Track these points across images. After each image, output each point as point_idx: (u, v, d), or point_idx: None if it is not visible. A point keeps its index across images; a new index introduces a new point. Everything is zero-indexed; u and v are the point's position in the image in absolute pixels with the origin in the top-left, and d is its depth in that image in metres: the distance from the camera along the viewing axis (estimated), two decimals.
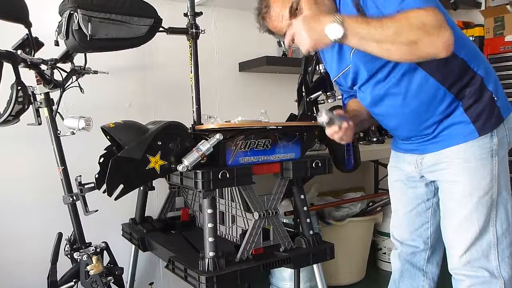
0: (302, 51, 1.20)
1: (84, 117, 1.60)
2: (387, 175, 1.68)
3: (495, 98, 1.34)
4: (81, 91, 1.75)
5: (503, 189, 1.37)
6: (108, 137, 1.63)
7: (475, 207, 1.35)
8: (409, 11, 1.10)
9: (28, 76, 1.61)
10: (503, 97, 1.38)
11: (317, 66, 1.84)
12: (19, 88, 1.52)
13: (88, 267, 1.57)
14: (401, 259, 1.62)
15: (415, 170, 1.50)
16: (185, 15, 1.76)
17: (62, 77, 1.69)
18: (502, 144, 1.36)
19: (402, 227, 1.59)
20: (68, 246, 1.68)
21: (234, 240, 1.79)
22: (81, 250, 1.62)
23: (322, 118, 1.29)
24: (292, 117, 1.90)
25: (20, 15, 1.58)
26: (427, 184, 1.52)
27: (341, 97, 1.82)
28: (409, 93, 1.34)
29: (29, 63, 1.58)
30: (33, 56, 1.64)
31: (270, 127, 1.63)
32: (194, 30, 1.74)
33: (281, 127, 1.66)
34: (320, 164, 1.72)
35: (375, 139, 2.60)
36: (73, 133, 1.63)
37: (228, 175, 1.51)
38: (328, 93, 1.86)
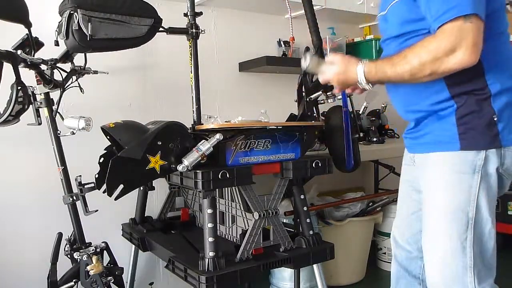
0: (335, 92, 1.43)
1: (84, 117, 1.59)
2: (387, 175, 1.68)
3: (495, 120, 1.23)
4: (81, 91, 1.75)
5: (484, 209, 1.26)
6: (108, 137, 1.63)
7: (448, 223, 1.28)
8: (427, 41, 1.15)
9: (28, 76, 1.61)
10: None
11: None
12: (19, 88, 1.52)
13: (88, 267, 1.57)
14: (397, 264, 1.57)
15: (415, 171, 1.45)
16: (185, 15, 1.76)
17: (62, 77, 1.69)
18: (491, 161, 1.25)
19: (402, 227, 1.56)
20: (68, 246, 1.68)
21: (234, 240, 1.79)
22: (81, 250, 1.62)
23: (306, 62, 1.32)
24: (292, 117, 1.90)
25: (20, 15, 1.58)
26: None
27: (341, 97, 1.82)
28: None
29: (29, 63, 1.58)
30: (33, 56, 1.64)
31: (270, 127, 1.63)
32: (194, 30, 1.74)
33: (281, 127, 1.66)
34: (320, 164, 1.72)
35: (375, 139, 2.60)
36: (73, 133, 1.63)
37: (228, 175, 1.51)
38: (328, 93, 1.86)
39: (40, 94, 1.64)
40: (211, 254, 1.49)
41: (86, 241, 1.67)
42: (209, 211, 1.51)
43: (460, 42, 1.10)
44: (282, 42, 2.64)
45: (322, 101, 1.87)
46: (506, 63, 1.27)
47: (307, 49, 1.87)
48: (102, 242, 1.71)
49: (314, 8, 1.87)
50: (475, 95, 1.24)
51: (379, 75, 1.26)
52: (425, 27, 1.25)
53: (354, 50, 2.86)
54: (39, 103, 1.64)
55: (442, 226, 1.29)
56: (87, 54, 1.75)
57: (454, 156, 1.27)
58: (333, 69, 1.35)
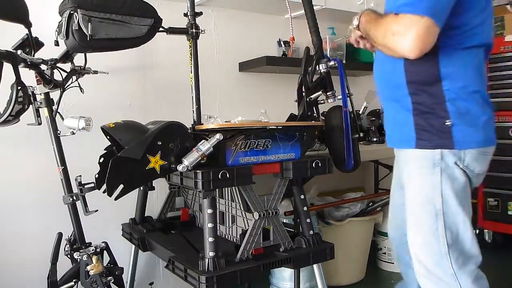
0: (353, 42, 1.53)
1: (84, 117, 1.59)
2: (387, 175, 1.71)
3: (448, 124, 1.33)
4: (81, 91, 1.75)
5: (451, 199, 1.34)
6: (108, 137, 1.63)
7: (418, 215, 1.40)
8: (386, 16, 1.29)
9: (28, 76, 1.61)
10: (472, 128, 1.34)
11: (317, 66, 1.84)
12: (19, 88, 1.52)
13: (88, 267, 1.57)
14: (394, 246, 1.74)
15: (400, 166, 1.55)
16: (185, 15, 1.76)
17: (62, 77, 1.69)
18: (449, 156, 1.34)
19: (393, 215, 1.69)
20: (68, 246, 1.68)
21: (234, 240, 1.79)
22: (81, 250, 1.62)
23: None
24: (292, 117, 1.90)
25: (20, 15, 1.58)
26: None
27: (340, 97, 1.82)
28: (385, 63, 1.47)
29: (29, 63, 1.58)
30: (33, 56, 1.64)
31: (270, 127, 1.63)
32: (194, 30, 1.74)
33: (281, 127, 1.66)
34: (320, 164, 1.72)
35: (375, 139, 2.60)
36: (73, 133, 1.63)
37: (228, 175, 1.51)
38: (328, 93, 1.86)
39: (40, 94, 1.64)
40: (211, 254, 1.49)
41: (86, 241, 1.67)
42: (209, 211, 1.51)
43: (410, 31, 1.20)
44: (282, 42, 2.65)
45: (322, 101, 1.87)
46: (465, 74, 1.34)
47: (307, 49, 1.87)
48: (102, 242, 1.71)
49: (314, 8, 1.87)
50: (432, 98, 1.35)
51: (365, 24, 1.40)
52: None
53: (354, 50, 2.86)
54: (39, 103, 1.64)
55: (415, 218, 1.42)
56: (87, 54, 1.75)
57: (414, 153, 1.39)
58: None
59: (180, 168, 1.48)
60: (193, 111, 1.75)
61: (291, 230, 1.91)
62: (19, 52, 1.55)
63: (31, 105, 1.61)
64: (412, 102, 1.38)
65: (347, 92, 1.82)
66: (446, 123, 1.33)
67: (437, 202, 1.35)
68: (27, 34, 1.62)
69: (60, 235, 1.66)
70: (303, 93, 1.82)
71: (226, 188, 1.80)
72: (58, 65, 1.70)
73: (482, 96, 1.37)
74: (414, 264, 1.44)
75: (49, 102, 1.65)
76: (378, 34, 1.31)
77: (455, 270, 1.36)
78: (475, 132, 1.35)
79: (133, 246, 2.10)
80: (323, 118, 1.91)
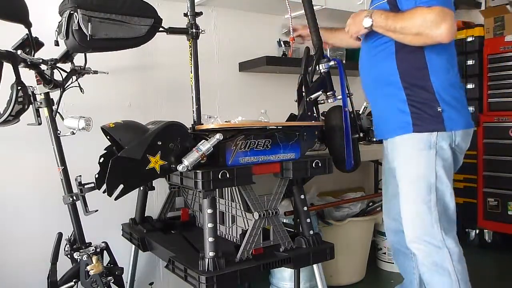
0: (352, 37, 1.72)
1: (84, 117, 1.60)
2: None
3: (440, 110, 1.59)
4: (81, 91, 1.75)
5: (443, 176, 1.61)
6: (108, 137, 1.63)
7: (413, 189, 1.63)
8: (416, 9, 1.49)
9: (28, 76, 1.61)
10: (457, 112, 1.62)
11: (317, 66, 1.84)
12: (19, 88, 1.52)
13: (88, 267, 1.57)
14: (390, 238, 1.95)
15: (391, 157, 1.76)
16: (185, 15, 1.76)
17: (62, 77, 1.69)
18: (443, 139, 1.59)
19: (388, 208, 1.92)
20: (68, 246, 1.68)
21: (234, 240, 1.79)
22: (81, 250, 1.62)
23: None
24: (292, 117, 1.90)
25: (20, 15, 1.58)
26: None
27: (340, 96, 1.83)
28: (375, 60, 1.70)
29: (29, 63, 1.58)
30: (33, 56, 1.64)
31: (270, 127, 1.63)
32: (194, 30, 1.74)
33: (281, 127, 1.66)
34: (320, 164, 1.72)
35: (375, 139, 2.60)
36: (73, 133, 1.63)
37: (228, 175, 1.51)
38: (328, 93, 1.86)
39: (40, 94, 1.64)
40: (211, 254, 1.49)
41: (86, 241, 1.67)
42: (209, 211, 1.52)
43: (445, 21, 1.45)
44: (282, 42, 2.65)
45: (322, 101, 1.87)
46: (447, 66, 1.64)
47: (307, 49, 1.87)
48: (102, 242, 1.71)
49: (314, 8, 1.87)
50: (423, 90, 1.60)
51: (381, 20, 1.57)
52: None
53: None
54: (39, 103, 1.64)
55: (410, 192, 1.65)
56: (87, 54, 1.75)
57: (412, 137, 1.62)
58: (349, 20, 1.72)
59: (180, 168, 1.48)
60: (193, 111, 1.75)
61: (291, 230, 1.91)
62: (19, 52, 1.54)
63: (31, 105, 1.61)
64: (406, 94, 1.62)
65: (347, 92, 1.83)
66: (438, 110, 1.59)
67: (431, 178, 1.60)
68: (27, 34, 1.62)
69: (60, 235, 1.66)
70: (303, 93, 1.82)
71: (226, 188, 1.80)
72: (58, 65, 1.70)
73: (460, 85, 1.68)
74: (407, 234, 1.66)
75: (49, 102, 1.65)
76: (412, 24, 1.49)
77: (443, 235, 1.61)
78: (460, 117, 1.63)
79: (133, 246, 2.10)
80: (323, 118, 1.91)
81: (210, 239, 1.50)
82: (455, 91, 1.64)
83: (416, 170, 1.62)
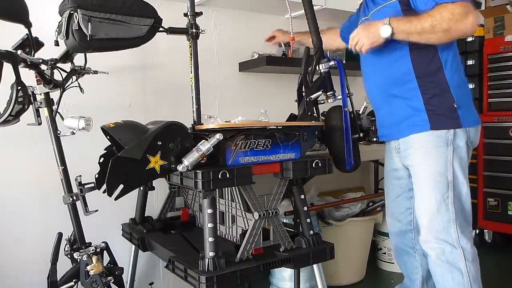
0: (363, 51, 1.63)
1: (84, 117, 1.60)
2: None
3: (455, 106, 1.61)
4: (81, 91, 1.75)
5: (459, 174, 1.62)
6: (108, 137, 1.63)
7: (432, 186, 1.61)
8: (440, 6, 1.48)
9: (28, 76, 1.61)
10: (468, 109, 1.65)
11: (317, 66, 1.84)
12: (19, 88, 1.51)
13: (88, 267, 1.57)
14: (393, 238, 1.93)
15: (398, 157, 1.78)
16: (185, 15, 1.76)
17: (62, 77, 1.69)
18: (460, 136, 1.61)
19: (392, 208, 1.91)
20: (68, 246, 1.68)
21: (234, 240, 1.79)
22: (81, 250, 1.62)
23: None
24: (292, 117, 1.90)
25: (20, 15, 1.58)
26: (407, 176, 1.78)
27: (340, 97, 1.83)
28: (386, 59, 1.68)
29: (29, 63, 1.58)
30: (33, 56, 1.64)
31: (270, 127, 1.63)
32: (194, 30, 1.74)
33: (281, 127, 1.66)
34: (320, 164, 1.72)
35: (375, 139, 2.60)
36: (73, 133, 1.63)
37: (228, 175, 1.51)
38: (328, 93, 1.86)
39: (40, 94, 1.64)
40: (211, 254, 1.49)
41: (86, 241, 1.67)
42: (209, 211, 1.51)
43: (471, 12, 1.46)
44: (282, 42, 2.64)
45: (322, 101, 1.87)
46: (457, 61, 1.67)
47: (307, 49, 1.87)
48: (102, 242, 1.71)
49: (314, 8, 1.87)
50: (439, 87, 1.62)
51: (404, 25, 1.53)
52: None
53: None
54: (39, 103, 1.64)
55: (428, 189, 1.63)
56: (87, 54, 1.75)
57: (429, 134, 1.62)
58: (356, 30, 1.64)
59: (180, 168, 1.48)
60: (193, 111, 1.75)
61: (291, 230, 1.91)
62: (19, 52, 1.54)
63: (31, 105, 1.61)
64: (422, 92, 1.63)
65: (347, 92, 1.83)
66: (454, 106, 1.61)
67: (448, 175, 1.60)
68: (27, 34, 1.62)
69: (60, 235, 1.66)
70: (303, 93, 1.82)
71: (226, 188, 1.80)
72: (58, 65, 1.70)
73: (467, 82, 1.71)
74: (422, 233, 1.65)
75: (49, 102, 1.65)
76: (441, 20, 1.47)
77: (458, 234, 1.60)
78: (472, 113, 1.68)
79: (133, 246, 2.10)
80: (323, 118, 1.91)
81: (210, 239, 1.50)
82: (466, 87, 1.69)
83: (434, 167, 1.62)
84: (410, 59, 1.64)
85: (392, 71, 1.69)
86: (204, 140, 1.52)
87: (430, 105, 1.62)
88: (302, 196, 1.77)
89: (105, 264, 1.68)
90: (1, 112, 1.53)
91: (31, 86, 1.61)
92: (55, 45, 1.57)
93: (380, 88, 1.77)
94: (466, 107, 1.64)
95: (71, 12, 1.44)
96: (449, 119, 1.61)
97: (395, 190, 1.87)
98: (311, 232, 1.74)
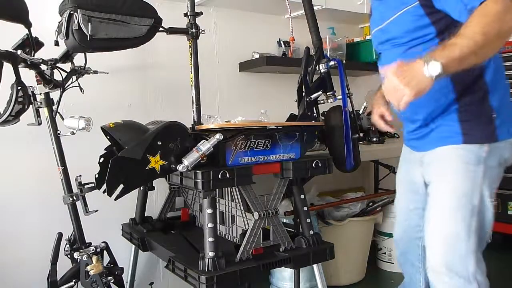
0: (402, 107, 1.18)
1: (84, 117, 1.59)
2: (387, 175, 1.70)
3: (494, 116, 1.36)
4: (81, 91, 1.75)
5: (487, 198, 1.37)
6: (108, 137, 1.63)
7: (454, 207, 1.36)
8: (478, 10, 1.15)
9: (28, 76, 1.61)
10: (507, 119, 1.39)
11: (317, 66, 1.84)
12: (19, 88, 1.52)
13: (88, 267, 1.57)
14: (401, 247, 1.70)
15: (420, 171, 1.53)
16: (185, 15, 1.76)
17: (62, 77, 1.69)
18: (493, 154, 1.36)
19: (402, 218, 1.68)
20: (68, 246, 1.68)
21: (234, 240, 1.79)
22: (81, 250, 1.62)
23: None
24: (292, 117, 1.90)
25: (20, 15, 1.58)
26: (426, 194, 1.51)
27: (340, 97, 1.82)
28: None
29: (29, 63, 1.58)
30: (33, 56, 1.64)
31: (270, 127, 1.63)
32: (194, 30, 1.74)
33: (281, 127, 1.66)
34: (320, 164, 1.72)
35: (375, 139, 2.60)
36: (73, 133, 1.63)
37: (228, 175, 1.51)
38: (328, 93, 1.86)
39: (40, 94, 1.64)
40: (211, 254, 1.49)
41: (86, 241, 1.67)
42: (209, 211, 1.52)
43: (509, 2, 1.14)
44: (282, 42, 2.65)
45: (322, 101, 1.87)
46: (500, 68, 1.41)
47: (307, 49, 1.87)
48: (102, 242, 1.71)
49: (314, 8, 1.87)
50: (475, 94, 1.37)
51: (451, 51, 1.15)
52: (430, 32, 1.35)
53: (354, 50, 2.86)
54: (39, 103, 1.64)
55: (449, 211, 1.37)
56: (87, 54, 1.75)
57: (460, 148, 1.37)
58: (393, 80, 1.17)
59: (180, 168, 1.48)
60: (193, 111, 1.76)
61: (291, 230, 1.91)
62: (19, 52, 1.54)
63: (31, 105, 1.61)
64: (457, 100, 1.38)
65: (347, 92, 1.83)
66: (493, 115, 1.36)
67: (475, 199, 1.35)
68: (27, 34, 1.62)
69: (60, 235, 1.66)
70: (303, 93, 1.82)
71: (226, 188, 1.80)
72: (58, 65, 1.70)
73: (508, 88, 1.44)
74: (431, 259, 1.40)
75: (49, 102, 1.65)
76: (488, 23, 1.14)
77: (475, 267, 1.35)
78: (509, 122, 1.40)
79: (133, 246, 2.10)
80: (323, 118, 1.91)
81: (210, 239, 1.50)
82: (505, 94, 1.41)
83: (459, 187, 1.37)
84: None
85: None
86: (204, 140, 1.52)
87: (465, 114, 1.37)
88: (302, 196, 1.77)
89: (105, 264, 1.68)
90: (1, 112, 1.53)
91: (31, 86, 1.61)
92: (55, 45, 1.57)
93: (411, 110, 1.40)
94: (506, 116, 1.39)
95: (71, 12, 1.44)
96: (484, 131, 1.36)
97: (411, 203, 1.62)
98: (311, 232, 1.74)
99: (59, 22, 1.52)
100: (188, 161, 1.48)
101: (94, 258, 1.58)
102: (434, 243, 1.40)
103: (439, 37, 1.35)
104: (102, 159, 1.65)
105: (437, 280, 1.39)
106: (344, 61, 2.72)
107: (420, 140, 1.52)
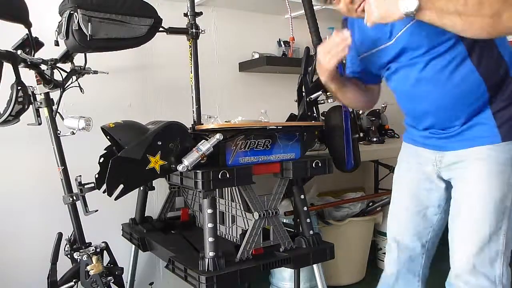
0: (368, 24, 1.16)
1: (84, 117, 1.59)
2: (387, 175, 1.68)
3: None
4: (81, 91, 1.75)
5: None
6: (108, 137, 1.63)
7: (489, 210, 1.32)
8: None
9: (28, 76, 1.61)
10: None
11: None
12: (19, 88, 1.52)
13: (88, 267, 1.57)
14: (399, 265, 1.58)
15: (433, 169, 1.47)
16: (185, 15, 1.76)
17: (62, 77, 1.69)
18: None
19: (405, 226, 1.55)
20: (68, 246, 1.68)
21: (234, 240, 1.79)
22: (81, 250, 1.62)
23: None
24: (292, 117, 1.90)
25: (20, 15, 1.58)
26: (442, 189, 1.48)
27: None
28: (452, 80, 1.31)
29: (29, 63, 1.58)
30: (33, 56, 1.64)
31: (270, 127, 1.63)
32: (194, 30, 1.74)
33: (281, 127, 1.66)
34: (320, 164, 1.72)
35: (375, 139, 2.60)
36: (73, 133, 1.63)
37: (228, 175, 1.51)
38: (328, 93, 1.86)
39: (40, 94, 1.64)
40: (211, 254, 1.49)
41: (86, 241, 1.67)
42: (209, 211, 1.52)
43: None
44: (282, 42, 2.65)
45: (322, 101, 1.87)
46: None
47: (307, 49, 1.87)
48: (102, 242, 1.71)
49: (314, 8, 1.87)
50: (506, 89, 1.31)
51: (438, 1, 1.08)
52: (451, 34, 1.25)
53: None
54: (39, 103, 1.64)
55: (484, 214, 1.33)
56: (87, 54, 1.75)
57: (496, 149, 1.31)
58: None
59: (180, 168, 1.48)
60: (193, 111, 1.76)
61: (291, 230, 1.91)
62: (19, 52, 1.55)
63: (31, 105, 1.61)
64: (491, 98, 1.32)
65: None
66: None
67: (507, 200, 1.32)
68: (27, 34, 1.62)
69: (60, 235, 1.66)
70: (303, 93, 1.82)
71: (226, 188, 1.80)
72: (58, 65, 1.70)
73: None
74: (457, 262, 1.37)
75: (49, 102, 1.65)
76: (473, 1, 1.05)
77: (503, 270, 1.33)
78: None
79: (133, 246, 2.10)
80: (323, 118, 1.91)
81: (210, 239, 1.50)
82: None
83: (495, 189, 1.33)
84: (471, 61, 1.29)
85: (456, 82, 1.32)
86: (204, 140, 1.52)
87: (499, 111, 1.32)
88: (302, 196, 1.77)
89: (105, 264, 1.68)
90: (1, 112, 1.53)
91: (31, 86, 1.61)
92: (55, 45, 1.57)
93: (438, 113, 1.40)
94: None
95: (71, 12, 1.44)
96: None
97: (420, 203, 1.52)
98: (311, 232, 1.75)
99: (59, 22, 1.52)
100: (188, 161, 1.48)
101: (94, 258, 1.58)
102: (465, 246, 1.36)
103: None
104: (102, 159, 1.65)
105: (462, 282, 1.36)
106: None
107: (445, 139, 1.42)
